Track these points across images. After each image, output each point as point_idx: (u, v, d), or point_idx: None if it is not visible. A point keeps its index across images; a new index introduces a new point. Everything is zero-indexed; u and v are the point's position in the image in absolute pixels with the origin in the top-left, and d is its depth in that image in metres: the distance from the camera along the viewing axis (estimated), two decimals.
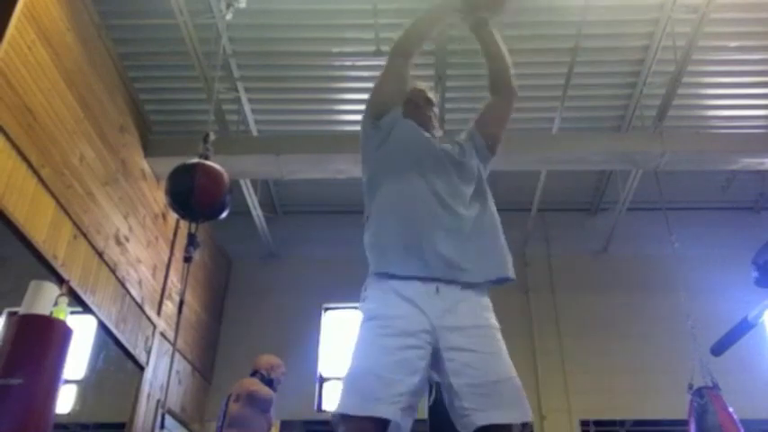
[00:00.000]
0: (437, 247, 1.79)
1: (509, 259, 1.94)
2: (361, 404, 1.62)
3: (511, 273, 1.90)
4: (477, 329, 1.74)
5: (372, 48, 5.52)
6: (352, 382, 1.68)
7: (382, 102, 2.11)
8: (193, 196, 3.88)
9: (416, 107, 2.20)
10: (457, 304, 1.76)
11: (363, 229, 1.97)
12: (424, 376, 1.69)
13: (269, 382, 4.22)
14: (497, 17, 2.27)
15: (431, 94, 2.28)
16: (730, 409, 4.42)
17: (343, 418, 1.63)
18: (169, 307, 5.92)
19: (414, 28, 2.19)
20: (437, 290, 1.77)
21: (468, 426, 1.64)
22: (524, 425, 1.63)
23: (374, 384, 1.63)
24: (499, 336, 1.78)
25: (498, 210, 2.07)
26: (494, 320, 1.82)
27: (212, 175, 3.98)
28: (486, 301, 1.86)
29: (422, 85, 2.29)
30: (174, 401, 5.89)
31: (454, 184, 1.96)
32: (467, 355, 1.68)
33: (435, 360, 1.71)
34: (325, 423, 6.84)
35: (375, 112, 2.08)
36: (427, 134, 2.13)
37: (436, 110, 2.30)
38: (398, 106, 2.13)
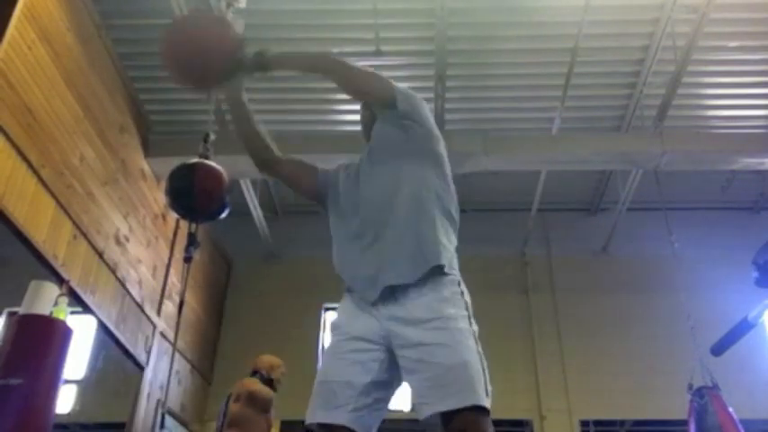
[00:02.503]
0: (352, 271, 1.89)
1: (430, 247, 1.78)
2: (316, 413, 1.71)
3: (434, 261, 1.76)
4: (430, 323, 1.68)
5: (372, 48, 5.52)
6: (313, 393, 1.76)
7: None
8: (193, 196, 3.88)
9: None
10: (410, 302, 1.73)
11: None
12: (380, 375, 1.72)
13: (269, 382, 4.21)
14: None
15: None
16: (730, 409, 4.42)
17: (308, 429, 1.72)
18: (169, 307, 5.92)
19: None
20: (383, 297, 1.77)
21: (420, 416, 1.65)
22: (478, 408, 1.57)
23: (328, 392, 1.71)
24: (456, 324, 1.69)
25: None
26: (452, 310, 1.72)
27: (212, 175, 3.98)
28: (447, 292, 1.75)
29: None
30: (174, 401, 5.89)
31: (357, 192, 1.98)
32: (419, 351, 1.66)
33: (393, 361, 1.73)
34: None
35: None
36: (344, 172, 2.14)
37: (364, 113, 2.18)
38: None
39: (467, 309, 1.76)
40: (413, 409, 1.73)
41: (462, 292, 1.79)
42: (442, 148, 2.00)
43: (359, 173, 2.00)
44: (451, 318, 1.70)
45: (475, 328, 1.74)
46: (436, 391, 1.60)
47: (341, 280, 1.97)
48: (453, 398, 1.57)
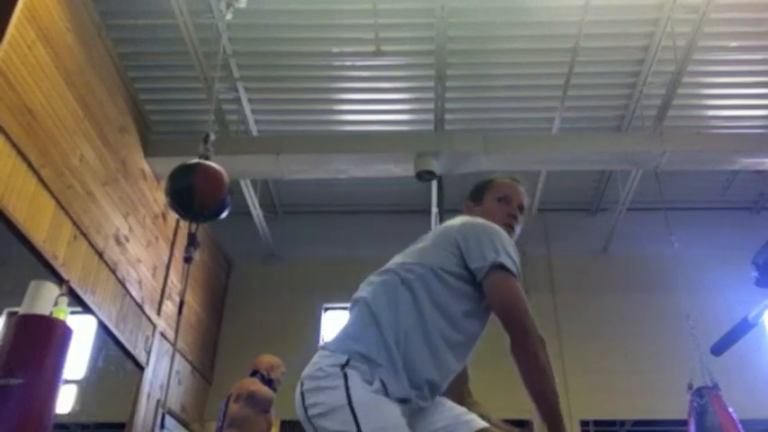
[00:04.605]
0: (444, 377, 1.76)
1: None
2: None
3: None
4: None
5: (372, 48, 5.52)
6: None
7: None
8: (193, 196, 3.88)
9: None
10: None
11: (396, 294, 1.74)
12: None
13: (269, 382, 4.21)
14: None
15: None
16: (730, 409, 4.42)
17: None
18: (169, 307, 5.92)
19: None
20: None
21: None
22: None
23: None
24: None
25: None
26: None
27: (212, 175, 3.98)
28: None
29: None
30: (174, 401, 5.89)
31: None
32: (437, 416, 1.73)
33: None
34: None
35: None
36: None
37: None
38: None
39: None
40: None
41: None
42: None
43: None
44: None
45: None
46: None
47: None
48: None
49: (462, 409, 1.77)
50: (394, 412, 1.56)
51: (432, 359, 1.65)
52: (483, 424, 1.71)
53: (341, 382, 1.56)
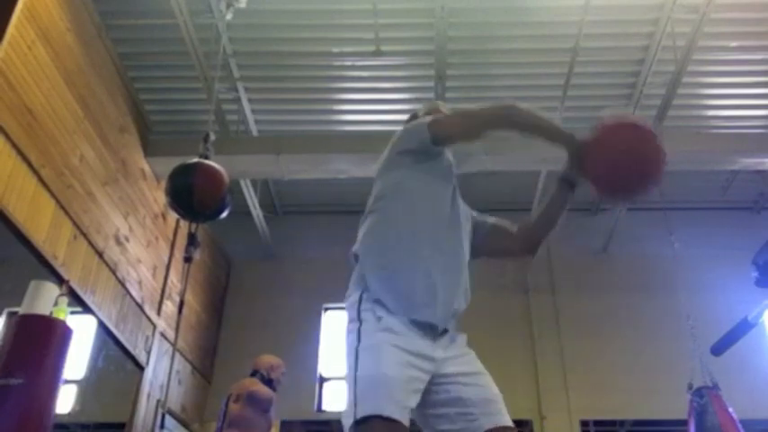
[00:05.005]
0: (447, 300, 1.81)
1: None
2: (396, 409, 1.59)
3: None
4: (467, 356, 1.83)
5: (372, 48, 5.52)
6: (382, 385, 1.63)
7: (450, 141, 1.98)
8: (193, 196, 3.88)
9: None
10: (455, 339, 1.83)
11: (370, 225, 1.93)
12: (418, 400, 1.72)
13: (269, 383, 4.21)
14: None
15: None
16: (730, 410, 4.42)
17: (380, 419, 1.58)
18: (169, 307, 5.92)
19: (531, 119, 1.97)
20: (442, 333, 1.80)
21: (477, 429, 1.71)
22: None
23: (400, 393, 1.63)
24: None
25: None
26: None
27: (212, 175, 3.99)
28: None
29: None
30: (174, 401, 5.89)
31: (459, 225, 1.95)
32: (470, 378, 1.76)
33: (427, 392, 1.73)
34: (325, 423, 6.85)
35: (436, 142, 1.93)
36: None
37: None
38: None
39: None
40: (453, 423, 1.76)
41: None
42: None
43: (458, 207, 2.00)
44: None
45: None
46: (493, 407, 1.75)
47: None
48: (507, 418, 1.75)
49: (494, 395, 1.78)
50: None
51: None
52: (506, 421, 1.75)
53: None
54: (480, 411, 1.71)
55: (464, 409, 1.72)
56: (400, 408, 1.59)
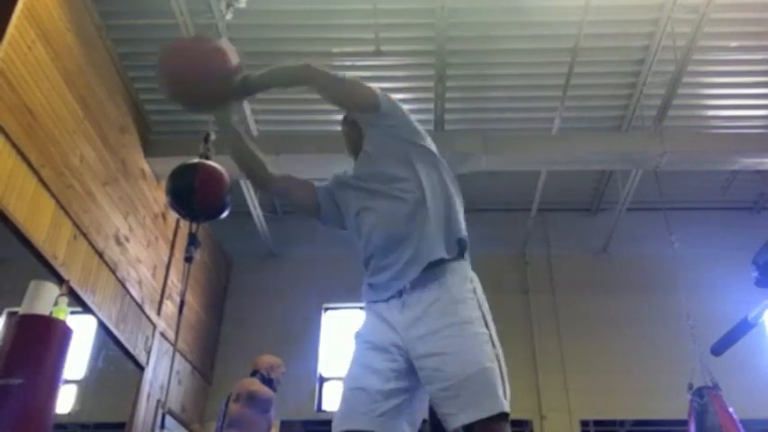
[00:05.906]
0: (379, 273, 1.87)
1: (431, 242, 1.80)
2: (341, 420, 1.74)
3: (437, 255, 1.77)
4: (446, 329, 1.69)
5: (372, 48, 5.52)
6: (340, 400, 1.80)
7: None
8: (194, 196, 3.88)
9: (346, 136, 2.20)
10: (428, 307, 1.73)
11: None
12: (401, 381, 1.74)
13: (269, 382, 4.21)
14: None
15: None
16: (730, 410, 4.42)
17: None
18: (169, 307, 5.92)
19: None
20: (403, 304, 1.77)
21: (448, 428, 1.67)
22: (500, 415, 1.59)
23: (351, 398, 1.75)
24: (472, 328, 1.69)
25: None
26: (467, 312, 1.72)
27: (213, 175, 3.99)
28: (459, 292, 1.75)
29: None
30: (174, 401, 5.89)
31: (371, 204, 1.94)
32: (436, 360, 1.67)
33: (413, 370, 1.74)
34: (325, 423, 6.84)
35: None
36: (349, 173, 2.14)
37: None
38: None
39: (480, 308, 1.74)
40: (443, 421, 1.70)
41: (474, 290, 1.79)
42: (429, 141, 2.03)
43: (365, 185, 1.99)
44: (467, 321, 1.70)
45: (491, 328, 1.72)
46: (456, 402, 1.61)
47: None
48: (474, 408, 1.59)
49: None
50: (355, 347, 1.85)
51: None
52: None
53: None
54: (447, 411, 1.65)
55: (436, 408, 1.72)
56: None
